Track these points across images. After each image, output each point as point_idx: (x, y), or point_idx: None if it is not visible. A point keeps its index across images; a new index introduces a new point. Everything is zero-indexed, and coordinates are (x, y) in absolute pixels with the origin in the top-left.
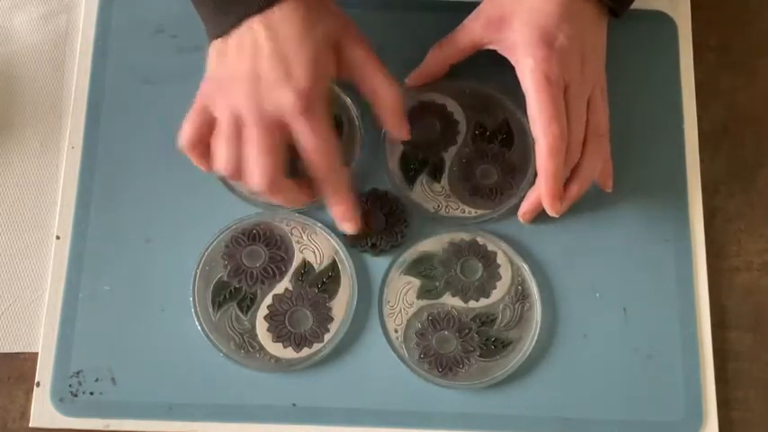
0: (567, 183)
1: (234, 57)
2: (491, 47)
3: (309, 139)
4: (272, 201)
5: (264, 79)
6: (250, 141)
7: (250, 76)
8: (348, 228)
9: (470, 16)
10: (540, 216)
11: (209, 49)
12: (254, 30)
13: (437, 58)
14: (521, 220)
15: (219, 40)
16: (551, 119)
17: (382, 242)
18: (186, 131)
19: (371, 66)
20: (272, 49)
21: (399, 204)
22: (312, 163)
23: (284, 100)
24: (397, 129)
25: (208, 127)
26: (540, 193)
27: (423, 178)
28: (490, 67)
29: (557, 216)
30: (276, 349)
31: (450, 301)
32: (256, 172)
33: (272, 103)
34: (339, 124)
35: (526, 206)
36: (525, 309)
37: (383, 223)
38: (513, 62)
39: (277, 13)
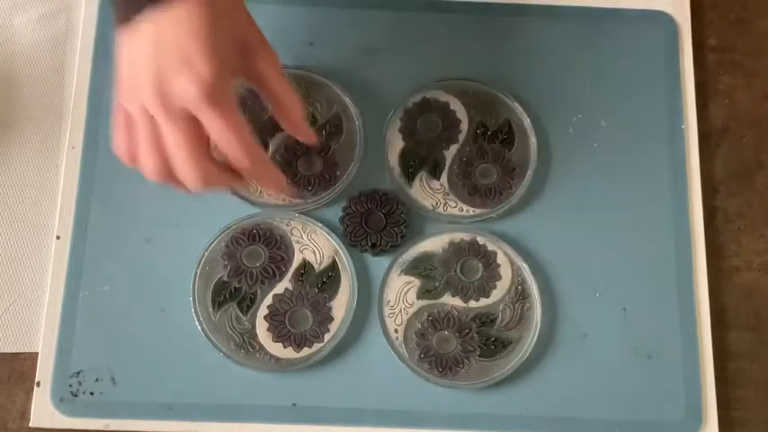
0: None
1: (136, 49)
2: None
3: (221, 132)
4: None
5: (166, 70)
6: (168, 140)
7: (152, 69)
8: (287, 191)
9: None
10: (540, 215)
11: (118, 38)
12: (155, 21)
13: None
14: None
15: (125, 28)
16: None
17: (382, 242)
18: (117, 140)
19: (277, 75)
20: (173, 40)
21: (399, 204)
22: (230, 155)
23: (186, 89)
24: (303, 136)
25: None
26: None
27: (422, 175)
28: (493, 66)
29: None
30: (276, 349)
31: (451, 301)
32: (187, 173)
33: (175, 94)
34: (339, 124)
35: None
36: (525, 309)
37: (383, 223)
38: None
39: (181, 7)
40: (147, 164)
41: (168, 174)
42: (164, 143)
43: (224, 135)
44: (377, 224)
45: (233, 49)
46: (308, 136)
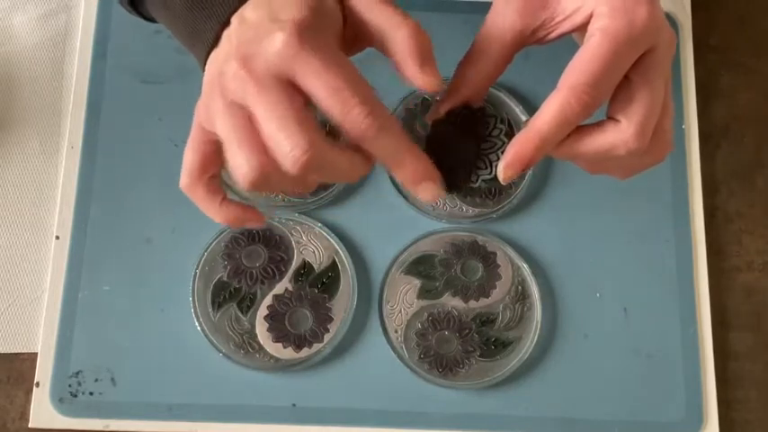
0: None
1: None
2: (539, 34)
3: (319, 80)
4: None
5: (248, 39)
6: (263, 118)
7: (233, 52)
8: (428, 191)
9: (494, 7)
10: (540, 215)
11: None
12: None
13: (472, 80)
14: (501, 177)
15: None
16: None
17: (461, 174)
18: (188, 159)
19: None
20: (254, 10)
21: (498, 123)
22: (334, 113)
23: (274, 44)
24: (418, 75)
25: (212, 146)
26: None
27: None
28: None
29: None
30: (276, 349)
31: (451, 301)
32: (288, 149)
33: (264, 59)
34: None
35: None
36: (525, 309)
37: (473, 152)
38: (578, 27)
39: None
40: (239, 160)
41: (268, 168)
42: (258, 128)
43: (322, 79)
44: (458, 155)
45: None
46: (420, 75)
